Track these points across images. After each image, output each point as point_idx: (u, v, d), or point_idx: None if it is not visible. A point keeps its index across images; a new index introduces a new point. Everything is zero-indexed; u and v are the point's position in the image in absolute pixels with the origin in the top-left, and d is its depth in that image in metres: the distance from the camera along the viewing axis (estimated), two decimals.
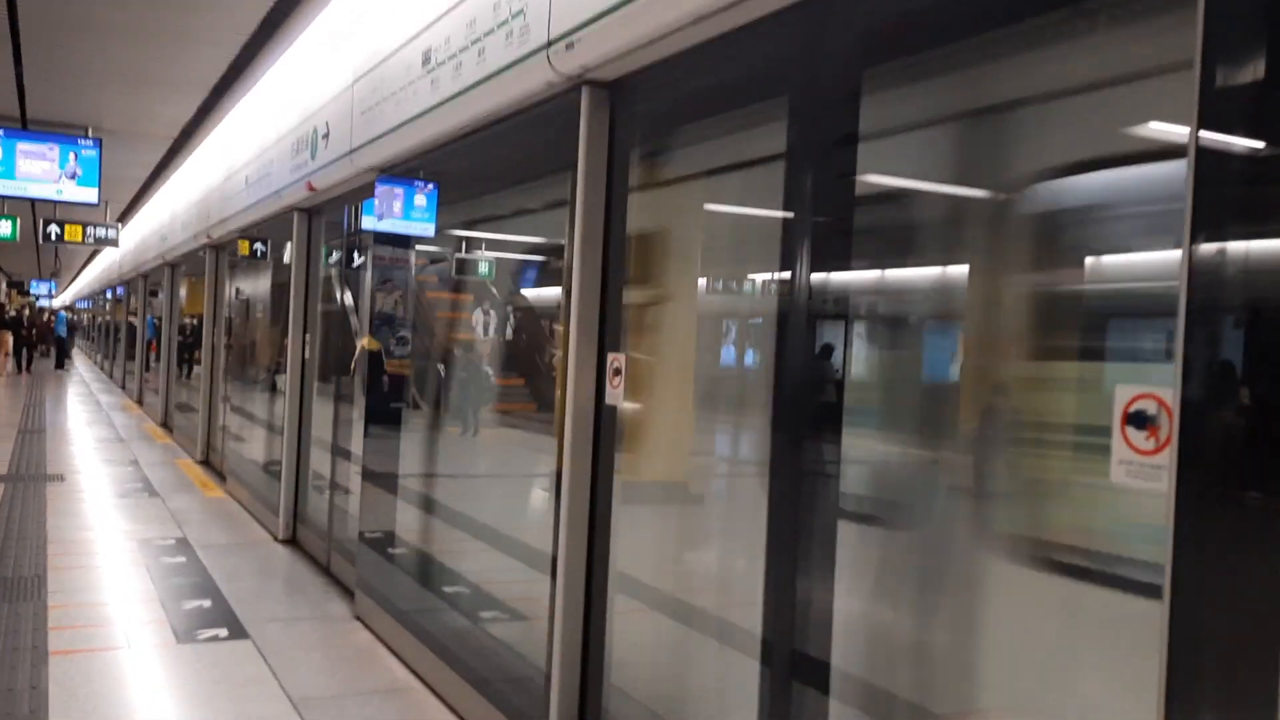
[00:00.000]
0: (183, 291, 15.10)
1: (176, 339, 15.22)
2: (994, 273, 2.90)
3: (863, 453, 3.00)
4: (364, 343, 6.90)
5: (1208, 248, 1.58)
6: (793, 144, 2.84)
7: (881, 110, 2.84)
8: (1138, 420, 1.69)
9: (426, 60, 4.30)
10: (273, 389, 8.78)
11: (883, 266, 3.36)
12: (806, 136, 2.78)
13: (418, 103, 4.40)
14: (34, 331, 27.54)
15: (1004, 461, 2.79)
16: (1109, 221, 2.62)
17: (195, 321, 14.28)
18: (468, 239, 6.32)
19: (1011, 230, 2.85)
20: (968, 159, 2.98)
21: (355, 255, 7.03)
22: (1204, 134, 1.60)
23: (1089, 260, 2.61)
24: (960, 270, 3.09)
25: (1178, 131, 1.71)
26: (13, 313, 28.99)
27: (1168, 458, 1.62)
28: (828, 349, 2.87)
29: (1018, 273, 2.83)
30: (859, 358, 3.23)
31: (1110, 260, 2.58)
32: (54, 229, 13.54)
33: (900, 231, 3.20)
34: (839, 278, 2.76)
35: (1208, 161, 1.59)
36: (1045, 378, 2.69)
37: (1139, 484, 1.67)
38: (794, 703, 2.66)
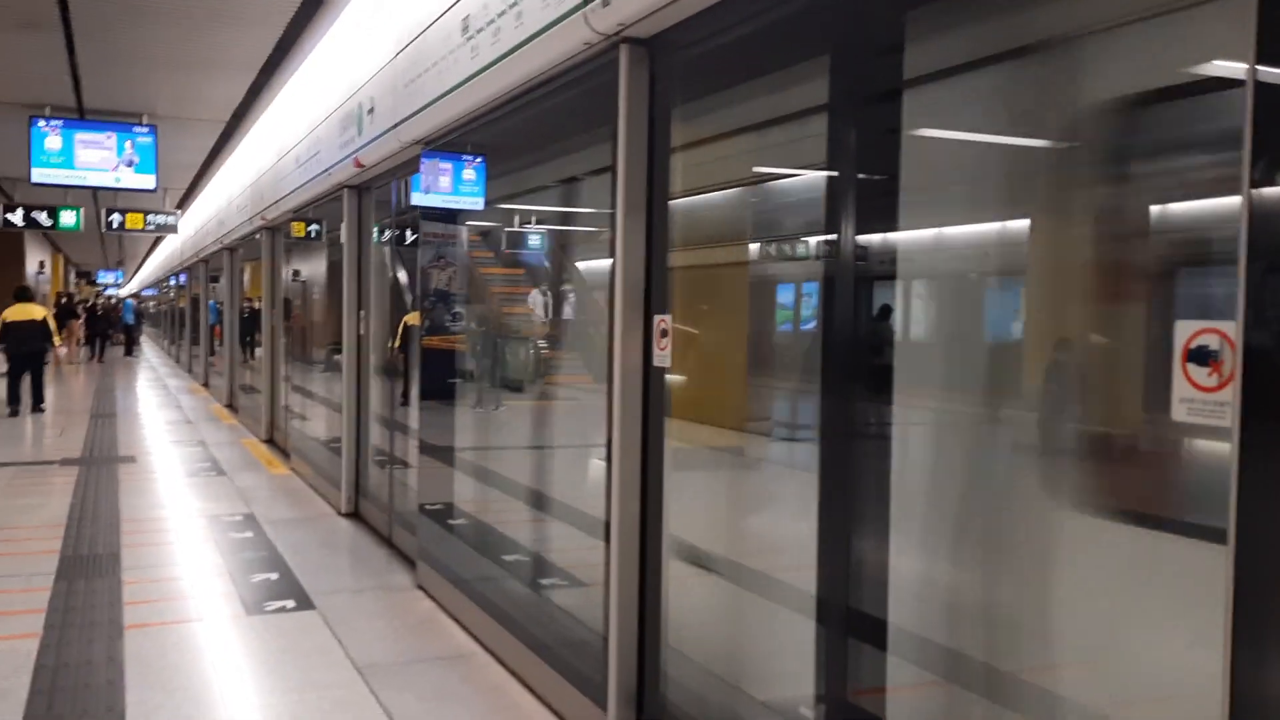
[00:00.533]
0: (245, 276, 15.35)
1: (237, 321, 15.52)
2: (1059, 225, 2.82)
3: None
4: (407, 319, 6.99)
5: (1267, 178, 1.51)
6: (835, 96, 2.78)
7: (926, 57, 2.77)
8: (1199, 356, 1.63)
9: (465, 28, 4.28)
10: (332, 368, 8.91)
11: (937, 224, 3.30)
12: (849, 88, 2.72)
13: (458, 72, 4.39)
14: (106, 319, 28.25)
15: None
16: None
17: (254, 304, 14.53)
18: (515, 211, 6.33)
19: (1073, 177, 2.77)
20: (1021, 102, 2.90)
21: (405, 231, 7.07)
22: (1262, 68, 1.53)
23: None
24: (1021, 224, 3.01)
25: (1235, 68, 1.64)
26: (88, 301, 29.85)
27: (1231, 394, 1.56)
28: (885, 310, 2.82)
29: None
30: (918, 318, 3.18)
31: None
32: (116, 218, 13.85)
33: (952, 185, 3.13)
34: (890, 236, 2.70)
35: (1267, 93, 1.53)
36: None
37: (1201, 421, 1.61)
38: (850, 660, 2.64)
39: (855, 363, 2.69)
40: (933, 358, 3.26)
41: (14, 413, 13.02)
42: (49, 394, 14.39)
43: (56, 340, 13.61)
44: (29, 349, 13.19)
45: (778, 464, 4.55)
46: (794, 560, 3.14)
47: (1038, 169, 2.94)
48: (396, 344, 7.25)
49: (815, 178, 2.96)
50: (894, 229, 2.68)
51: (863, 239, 2.62)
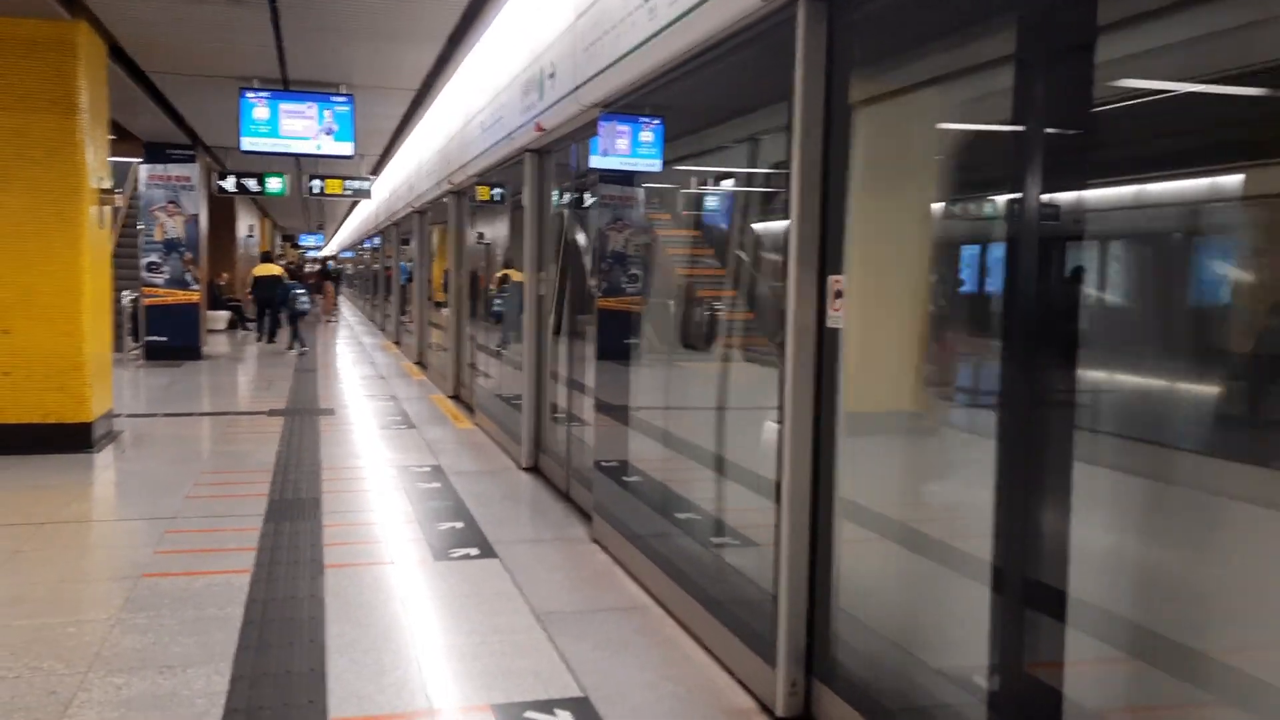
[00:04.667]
0: (435, 239, 16.00)
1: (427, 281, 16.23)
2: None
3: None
4: (506, 272, 7.15)
5: None
6: (1024, 49, 2.65)
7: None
8: None
9: None
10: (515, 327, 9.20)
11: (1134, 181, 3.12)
12: (1040, 40, 2.59)
13: (636, 33, 4.42)
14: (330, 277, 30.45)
15: None
16: None
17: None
18: (694, 174, 6.33)
19: None
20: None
21: (583, 194, 7.21)
22: None
23: None
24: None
25: None
26: (307, 266, 32.19)
27: None
28: (1078, 272, 2.70)
29: None
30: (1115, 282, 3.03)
31: None
32: (316, 183, 14.70)
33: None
34: (1081, 195, 2.57)
35: None
36: None
37: None
38: (1027, 630, 2.57)
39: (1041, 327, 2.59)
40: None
41: (271, 339, 18.63)
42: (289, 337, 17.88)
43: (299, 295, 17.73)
44: (268, 295, 18.33)
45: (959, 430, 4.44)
46: (972, 528, 3.07)
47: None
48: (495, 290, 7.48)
49: (1001, 133, 2.85)
50: (1087, 186, 2.55)
51: (1050, 197, 2.50)
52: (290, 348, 17.26)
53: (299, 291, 17.58)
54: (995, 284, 3.38)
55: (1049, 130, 2.50)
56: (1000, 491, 2.60)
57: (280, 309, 17.98)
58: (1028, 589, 2.58)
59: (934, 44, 3.39)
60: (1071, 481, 2.55)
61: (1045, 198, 2.48)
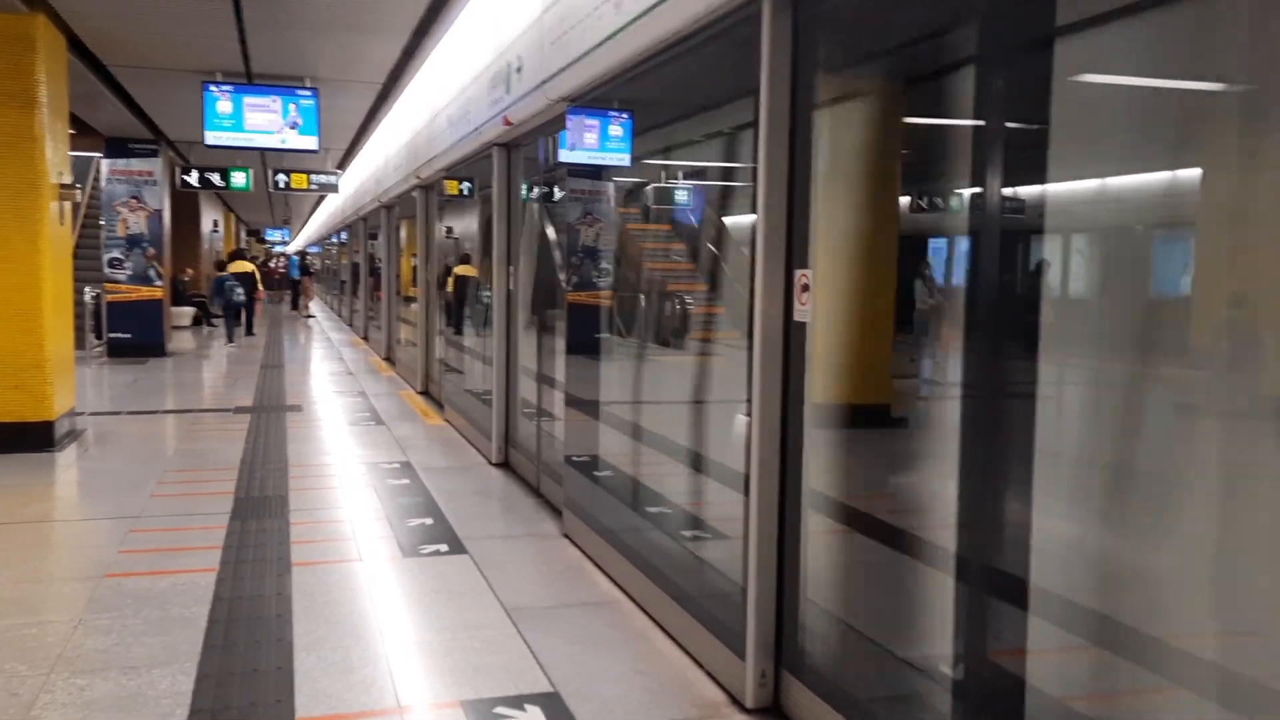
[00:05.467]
0: (403, 233, 15.91)
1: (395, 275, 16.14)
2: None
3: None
4: (458, 269, 7.18)
5: None
6: (984, 45, 2.68)
7: None
8: None
9: None
10: (484, 322, 9.18)
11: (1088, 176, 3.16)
12: (998, 36, 2.62)
13: (603, 27, 4.42)
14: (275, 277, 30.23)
15: None
16: None
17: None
18: (662, 167, 6.34)
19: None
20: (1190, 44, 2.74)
21: (552, 188, 7.19)
22: None
23: None
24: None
25: None
26: (273, 261, 32.23)
27: None
28: (1041, 265, 2.73)
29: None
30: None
31: None
32: (281, 178, 14.58)
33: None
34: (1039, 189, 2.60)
35: None
36: None
37: None
38: (990, 619, 2.60)
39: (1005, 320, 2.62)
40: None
41: (229, 340, 18.43)
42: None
43: (260, 291, 19.37)
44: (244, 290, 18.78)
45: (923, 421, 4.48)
46: (938, 519, 3.11)
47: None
48: (450, 290, 7.50)
49: (963, 128, 2.88)
50: (1043, 181, 2.58)
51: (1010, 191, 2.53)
52: (231, 340, 18.01)
53: (233, 283, 18.24)
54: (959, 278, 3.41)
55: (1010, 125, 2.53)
56: (963, 482, 2.63)
57: (254, 302, 19.12)
58: (990, 578, 2.61)
59: (899, 41, 3.42)
60: (1033, 472, 2.58)
61: (994, 191, 2.51)
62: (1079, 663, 2.97)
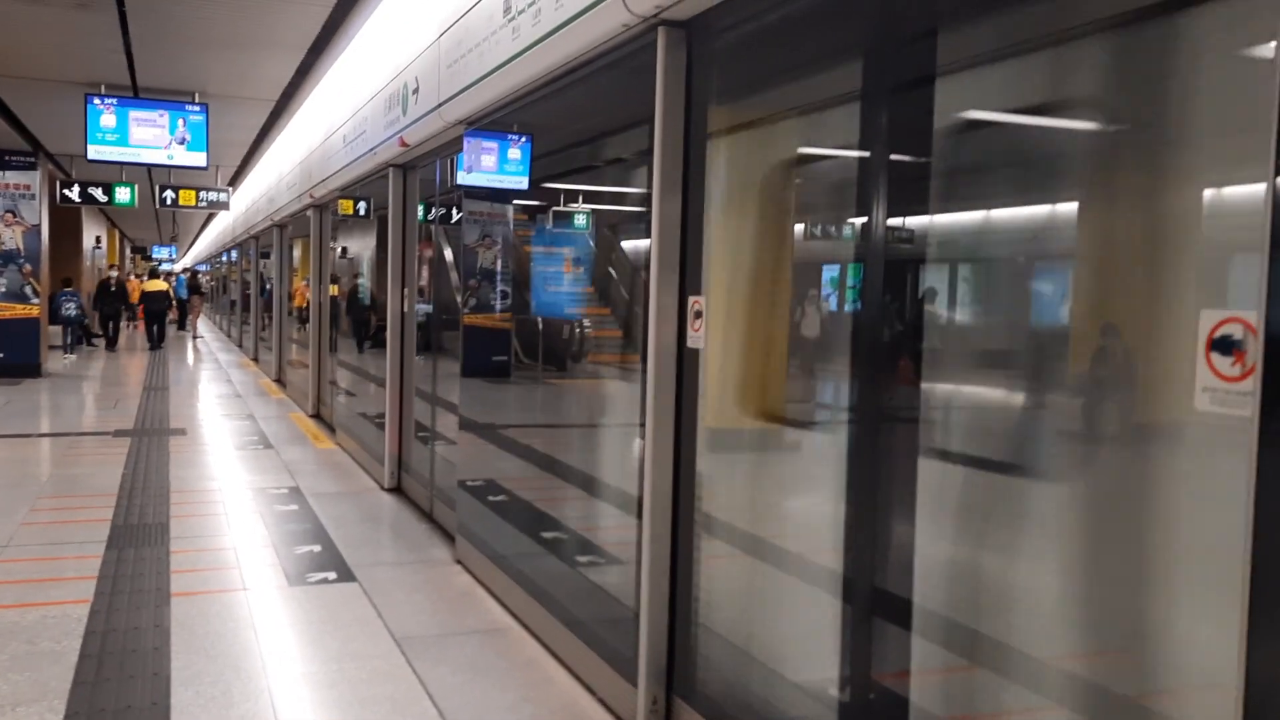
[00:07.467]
0: (296, 252, 15.56)
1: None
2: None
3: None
4: (332, 290, 7.08)
5: None
6: (870, 81, 2.76)
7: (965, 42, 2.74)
8: (1223, 346, 1.61)
9: (507, 9, 4.31)
10: (377, 344, 9.03)
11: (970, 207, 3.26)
12: (885, 72, 2.70)
13: (500, 53, 4.42)
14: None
15: None
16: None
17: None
18: (560, 191, 6.34)
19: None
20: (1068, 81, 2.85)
21: (450, 210, 7.13)
22: None
23: None
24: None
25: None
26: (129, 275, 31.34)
27: (1253, 384, 1.55)
28: (930, 293, 2.80)
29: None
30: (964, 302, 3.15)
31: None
32: (169, 194, 14.12)
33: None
34: (925, 219, 2.69)
35: None
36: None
37: (1223, 411, 1.60)
38: (875, 638, 2.65)
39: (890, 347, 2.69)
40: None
41: (153, 348, 20.72)
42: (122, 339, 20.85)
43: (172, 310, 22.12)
44: (158, 308, 21.25)
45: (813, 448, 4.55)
46: (825, 542, 3.16)
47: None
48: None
49: (851, 160, 2.96)
50: (926, 212, 2.67)
51: (896, 221, 2.61)
52: (69, 352, 18.87)
53: (65, 299, 18.80)
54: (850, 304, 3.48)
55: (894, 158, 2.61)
56: (849, 504, 2.69)
57: (166, 319, 21.59)
58: (876, 599, 2.67)
59: (789, 75, 3.49)
60: (916, 493, 2.65)
61: (894, 222, 2.59)
62: (961, 682, 3.04)
